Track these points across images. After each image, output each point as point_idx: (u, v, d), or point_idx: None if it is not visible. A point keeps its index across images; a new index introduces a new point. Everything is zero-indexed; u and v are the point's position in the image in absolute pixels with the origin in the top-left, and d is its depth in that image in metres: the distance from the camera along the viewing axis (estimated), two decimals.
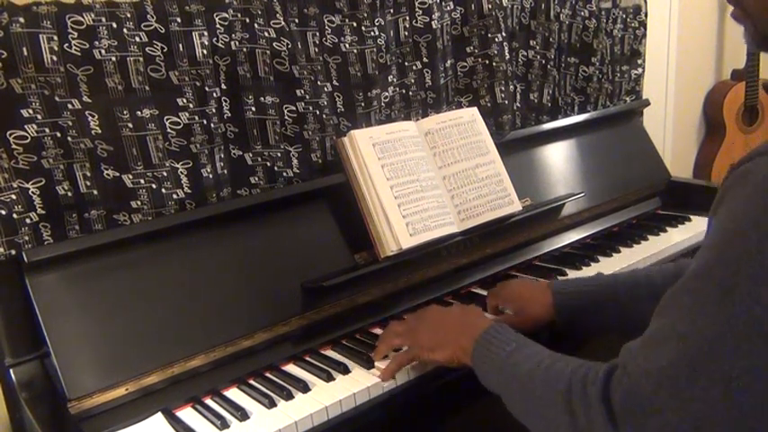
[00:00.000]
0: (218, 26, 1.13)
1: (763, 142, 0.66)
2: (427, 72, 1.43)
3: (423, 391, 1.06)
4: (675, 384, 0.64)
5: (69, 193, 1.04)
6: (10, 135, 0.98)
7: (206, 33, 1.12)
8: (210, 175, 1.16)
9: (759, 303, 0.60)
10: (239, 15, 1.16)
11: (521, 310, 1.13)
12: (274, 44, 1.19)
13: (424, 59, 1.42)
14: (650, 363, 0.67)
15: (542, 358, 0.82)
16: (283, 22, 1.20)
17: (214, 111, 1.15)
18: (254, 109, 1.20)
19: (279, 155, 1.23)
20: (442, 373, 1.08)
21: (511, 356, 0.86)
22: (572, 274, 1.36)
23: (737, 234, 0.63)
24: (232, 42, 1.15)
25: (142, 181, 1.10)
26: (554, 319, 1.10)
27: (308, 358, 1.12)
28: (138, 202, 1.10)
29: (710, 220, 0.69)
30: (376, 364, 1.07)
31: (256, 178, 1.23)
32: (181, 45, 1.10)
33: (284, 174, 1.24)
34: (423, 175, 1.28)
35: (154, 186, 1.11)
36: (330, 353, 1.14)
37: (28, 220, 1.00)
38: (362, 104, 1.33)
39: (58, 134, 1.02)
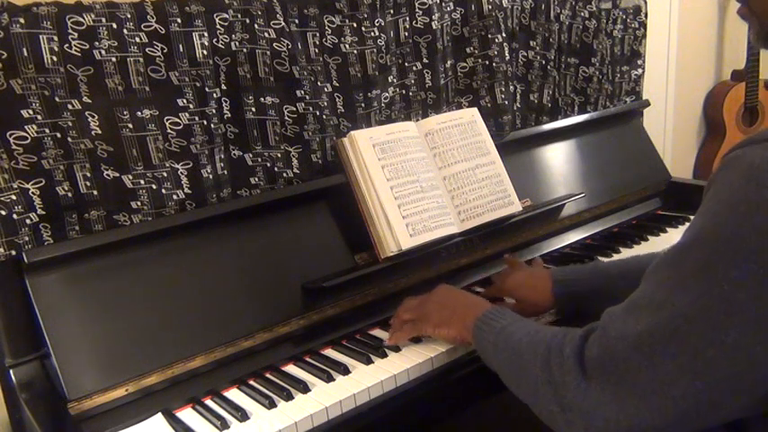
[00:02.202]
0: (218, 27, 1.13)
1: (757, 132, 0.69)
2: (427, 73, 1.43)
3: (423, 392, 1.06)
4: (648, 350, 0.69)
5: (69, 194, 1.04)
6: (10, 135, 0.98)
7: (206, 34, 1.12)
8: (210, 176, 1.16)
9: (731, 283, 0.64)
10: (239, 16, 1.16)
11: (523, 299, 1.19)
12: (274, 45, 1.19)
13: (425, 60, 1.42)
14: (628, 327, 0.71)
15: (531, 329, 0.89)
16: (283, 23, 1.20)
17: (214, 111, 1.15)
18: (254, 109, 1.20)
19: (279, 155, 1.23)
20: (441, 374, 1.08)
21: (504, 329, 0.93)
22: None
23: (717, 216, 0.67)
24: (232, 43, 1.15)
25: (142, 181, 1.10)
26: (554, 306, 1.17)
27: (308, 359, 1.12)
28: (138, 203, 1.10)
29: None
30: (387, 338, 1.14)
31: (256, 179, 1.23)
32: (181, 46, 1.10)
33: (284, 174, 1.24)
34: (423, 176, 1.28)
35: (154, 187, 1.11)
36: (330, 353, 1.14)
37: (28, 221, 1.00)
38: (362, 105, 1.33)
39: (59, 135, 1.02)
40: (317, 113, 1.25)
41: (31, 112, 0.99)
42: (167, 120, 1.11)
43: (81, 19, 1.01)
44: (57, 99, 1.01)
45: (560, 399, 0.77)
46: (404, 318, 1.14)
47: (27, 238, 1.00)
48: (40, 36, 0.98)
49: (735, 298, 0.64)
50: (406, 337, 1.12)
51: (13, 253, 0.99)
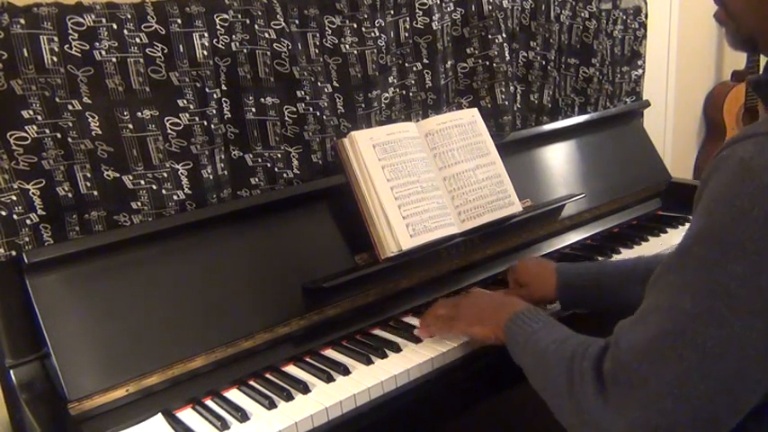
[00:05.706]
0: (218, 27, 1.13)
1: (742, 130, 0.70)
2: (427, 73, 1.43)
3: (423, 393, 1.06)
4: (657, 354, 0.69)
5: (70, 194, 1.04)
6: (10, 136, 0.98)
7: (206, 34, 1.12)
8: (211, 176, 1.16)
9: (732, 278, 0.64)
10: (239, 16, 1.16)
11: (528, 284, 1.23)
12: (275, 45, 1.19)
13: (425, 60, 1.42)
14: (637, 337, 0.72)
15: (559, 336, 0.88)
16: (284, 23, 1.20)
17: (214, 112, 1.15)
18: (254, 110, 1.20)
19: (279, 156, 1.23)
20: (441, 374, 1.08)
21: (535, 333, 0.92)
22: None
23: (714, 214, 0.67)
24: (232, 43, 1.15)
25: (142, 182, 1.10)
26: (556, 298, 1.19)
27: (308, 359, 1.12)
28: (139, 203, 1.10)
29: (696, 204, 0.73)
30: (416, 330, 1.16)
31: (257, 179, 1.23)
32: (181, 46, 1.10)
33: (284, 175, 1.24)
34: (423, 176, 1.28)
35: (154, 187, 1.11)
36: (330, 353, 1.14)
37: (28, 221, 1.01)
38: (363, 105, 1.33)
39: (59, 135, 1.02)
40: (318, 114, 1.25)
41: (31, 112, 0.99)
42: (167, 120, 1.11)
43: (81, 19, 1.01)
44: (57, 99, 1.01)
45: (580, 412, 0.76)
46: (438, 312, 1.15)
47: (27, 239, 1.00)
48: (41, 37, 0.98)
49: (737, 292, 0.64)
50: (437, 332, 1.13)
51: (14, 253, 0.99)
